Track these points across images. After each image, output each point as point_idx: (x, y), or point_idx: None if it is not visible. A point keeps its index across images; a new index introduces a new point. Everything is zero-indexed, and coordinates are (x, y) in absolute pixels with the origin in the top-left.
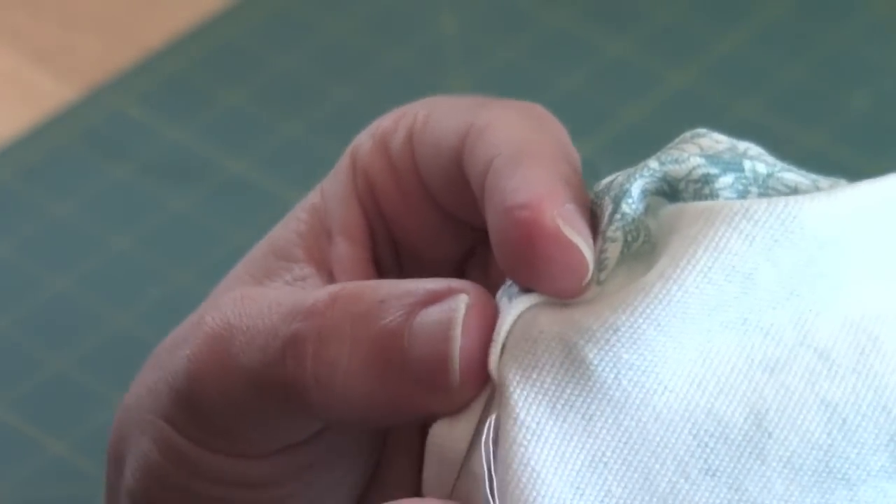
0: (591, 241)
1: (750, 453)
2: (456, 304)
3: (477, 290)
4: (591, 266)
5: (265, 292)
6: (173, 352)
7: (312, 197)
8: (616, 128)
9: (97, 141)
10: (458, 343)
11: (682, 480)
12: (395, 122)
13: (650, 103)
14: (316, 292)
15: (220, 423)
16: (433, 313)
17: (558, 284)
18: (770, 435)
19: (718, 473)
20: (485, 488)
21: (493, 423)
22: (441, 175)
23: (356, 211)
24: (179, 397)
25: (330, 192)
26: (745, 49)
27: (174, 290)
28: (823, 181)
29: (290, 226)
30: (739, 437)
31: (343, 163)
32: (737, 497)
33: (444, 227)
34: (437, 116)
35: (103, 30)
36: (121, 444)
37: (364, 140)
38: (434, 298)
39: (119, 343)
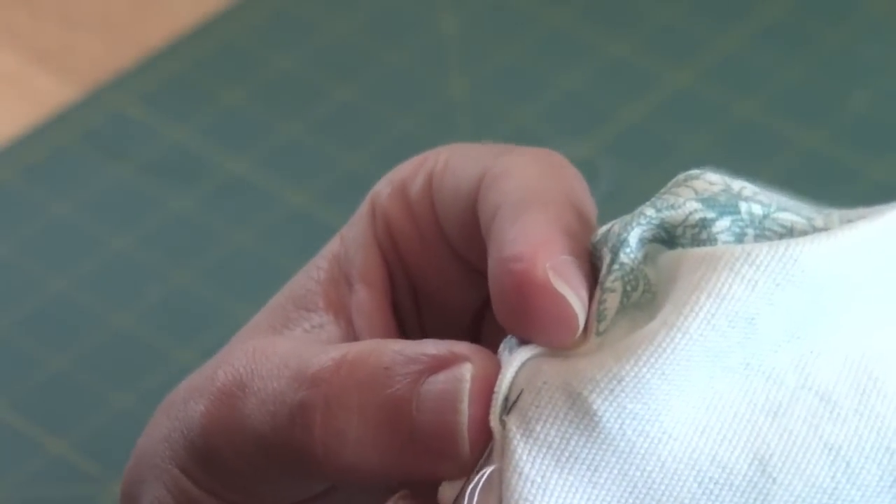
0: (583, 293)
1: (755, 500)
2: (461, 373)
3: (481, 356)
4: (582, 319)
5: (276, 347)
6: (187, 403)
7: (332, 245)
8: (616, 128)
9: (97, 141)
10: (466, 416)
11: None
12: (414, 169)
13: (650, 103)
14: (321, 356)
15: (234, 478)
16: (439, 382)
17: (549, 337)
18: (774, 480)
19: None
20: None
21: (485, 476)
22: (458, 221)
23: (375, 257)
24: (195, 450)
25: (349, 238)
26: (745, 49)
27: (174, 290)
28: (818, 218)
29: (310, 274)
30: (744, 484)
31: (362, 209)
32: None
33: (463, 273)
34: (455, 163)
35: (103, 30)
36: (135, 488)
37: (383, 186)
38: (438, 365)
39: (119, 343)
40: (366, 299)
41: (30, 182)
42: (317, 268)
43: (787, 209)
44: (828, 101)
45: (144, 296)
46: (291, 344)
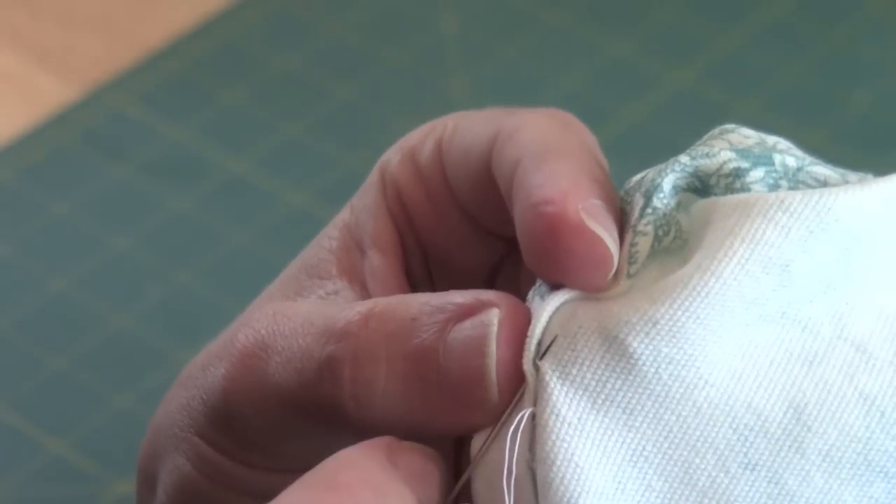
0: (615, 234)
1: (789, 447)
2: (488, 318)
3: (508, 301)
4: (616, 259)
5: (297, 308)
6: (206, 369)
7: (342, 214)
8: (616, 128)
9: (97, 141)
10: (494, 359)
11: (721, 474)
12: (423, 136)
13: (650, 103)
14: (347, 311)
15: (257, 440)
16: (466, 329)
17: (583, 278)
18: (809, 428)
19: (758, 467)
20: (503, 480)
21: (525, 418)
22: (470, 182)
23: (387, 223)
24: (215, 415)
25: (360, 207)
26: (745, 49)
27: (174, 290)
28: (852, 175)
29: (322, 244)
30: (779, 431)
31: (372, 177)
32: (776, 490)
33: (474, 237)
34: (465, 126)
35: (103, 30)
36: (153, 462)
37: (392, 154)
38: (465, 313)
39: (119, 343)
40: (379, 265)
41: (30, 182)
42: (328, 237)
43: (821, 164)
44: (828, 101)
45: (144, 296)
46: (313, 305)
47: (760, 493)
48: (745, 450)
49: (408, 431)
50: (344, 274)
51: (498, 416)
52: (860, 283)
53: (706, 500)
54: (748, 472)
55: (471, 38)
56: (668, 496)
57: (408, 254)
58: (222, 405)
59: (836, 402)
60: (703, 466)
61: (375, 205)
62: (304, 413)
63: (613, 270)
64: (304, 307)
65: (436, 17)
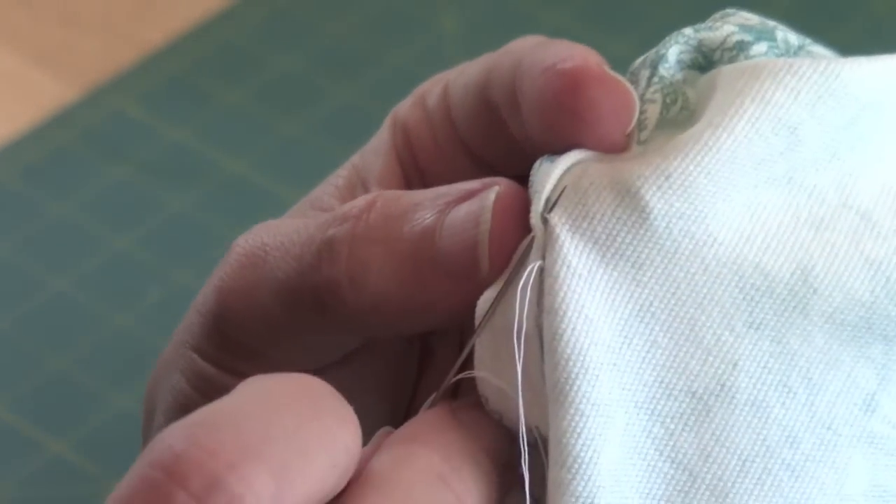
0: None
1: (794, 308)
2: (486, 195)
3: (509, 182)
4: (637, 106)
5: (300, 219)
6: (209, 283)
7: (354, 157)
8: None
9: (97, 141)
10: (488, 227)
11: (726, 333)
12: (434, 83)
13: None
14: (353, 201)
15: (248, 343)
16: (464, 207)
17: (605, 129)
18: (815, 291)
19: (762, 327)
20: (514, 336)
21: (534, 271)
22: (471, 116)
23: (393, 162)
24: (207, 322)
25: (369, 149)
26: None
27: (174, 290)
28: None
29: (330, 181)
30: (785, 293)
31: (385, 122)
32: (778, 349)
33: (478, 178)
34: (467, 67)
35: (103, 30)
36: (154, 390)
37: (406, 100)
38: (468, 196)
39: (119, 343)
40: None
41: (30, 182)
42: (336, 176)
43: (821, 46)
44: None
45: (144, 296)
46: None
47: (763, 351)
48: (750, 309)
49: (401, 313)
50: None
51: (486, 287)
52: (865, 155)
53: (710, 358)
54: (752, 330)
55: (471, 38)
56: (674, 353)
57: None
58: (214, 307)
59: (842, 266)
60: (708, 324)
61: (383, 146)
62: (297, 302)
63: (634, 121)
64: (307, 219)
65: (436, 17)
